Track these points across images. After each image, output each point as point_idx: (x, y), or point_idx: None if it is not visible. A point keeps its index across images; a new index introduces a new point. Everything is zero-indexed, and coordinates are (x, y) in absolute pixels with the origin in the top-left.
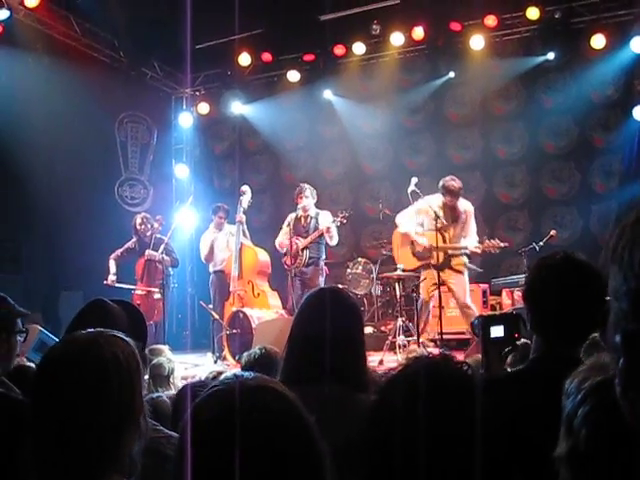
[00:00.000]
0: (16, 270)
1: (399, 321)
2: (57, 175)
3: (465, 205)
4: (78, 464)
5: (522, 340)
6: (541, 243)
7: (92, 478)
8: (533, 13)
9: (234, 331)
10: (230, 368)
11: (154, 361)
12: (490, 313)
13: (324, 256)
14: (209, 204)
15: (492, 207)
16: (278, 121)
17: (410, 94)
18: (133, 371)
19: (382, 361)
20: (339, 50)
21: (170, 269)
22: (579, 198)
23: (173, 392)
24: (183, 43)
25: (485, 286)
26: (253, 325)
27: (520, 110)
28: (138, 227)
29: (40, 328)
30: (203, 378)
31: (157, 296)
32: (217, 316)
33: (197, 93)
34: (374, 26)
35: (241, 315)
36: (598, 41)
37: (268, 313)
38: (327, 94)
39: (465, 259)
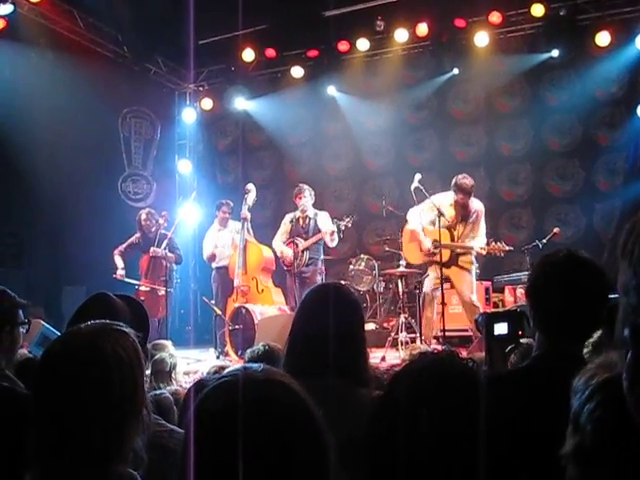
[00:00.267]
0: (19, 265)
1: (402, 318)
2: (60, 170)
3: (476, 205)
4: (81, 457)
5: (524, 340)
6: (544, 241)
7: (95, 471)
8: (538, 10)
9: (236, 327)
10: (232, 364)
11: (156, 356)
12: (494, 310)
13: (322, 256)
14: (212, 200)
15: (495, 204)
16: (282, 117)
17: (414, 90)
18: (135, 365)
19: (384, 358)
20: (343, 46)
21: (173, 265)
22: (583, 196)
23: (175, 388)
24: (187, 38)
25: (488, 283)
26: (255, 321)
27: (524, 107)
28: (143, 223)
29: (43, 323)
30: (204, 373)
31: (162, 292)
32: (220, 312)
33: (200, 89)
34: (378, 22)
35: (243, 311)
36: (603, 38)
37: (271, 309)
38: (331, 90)
39: (472, 258)
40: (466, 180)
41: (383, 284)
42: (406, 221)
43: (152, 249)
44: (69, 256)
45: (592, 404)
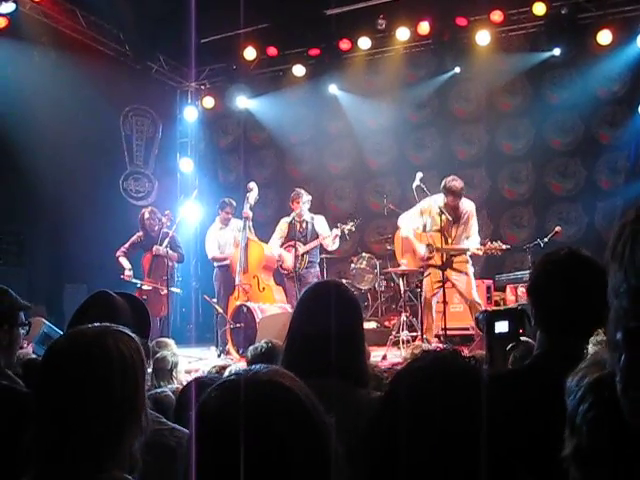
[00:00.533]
0: (20, 263)
1: (403, 316)
2: (62, 168)
3: (467, 205)
4: (79, 457)
5: (524, 338)
6: (546, 239)
7: (92, 472)
8: (539, 8)
9: (238, 325)
10: (234, 362)
11: (158, 355)
12: (495, 308)
13: (319, 259)
14: (214, 198)
15: (497, 203)
16: (283, 116)
17: (415, 89)
18: (137, 367)
19: (385, 356)
20: (345, 45)
21: (175, 264)
22: (584, 194)
23: (176, 386)
24: (188, 37)
25: (489, 282)
26: (257, 319)
27: (526, 106)
28: (146, 221)
29: (44, 321)
30: (206, 372)
31: (164, 291)
32: (221, 310)
33: (202, 87)
34: (380, 21)
35: (245, 309)
36: (604, 37)
37: (272, 307)
38: (332, 89)
39: (467, 257)
40: (455, 182)
41: (384, 283)
42: (397, 226)
43: (155, 247)
44: (71, 254)
45: (585, 405)
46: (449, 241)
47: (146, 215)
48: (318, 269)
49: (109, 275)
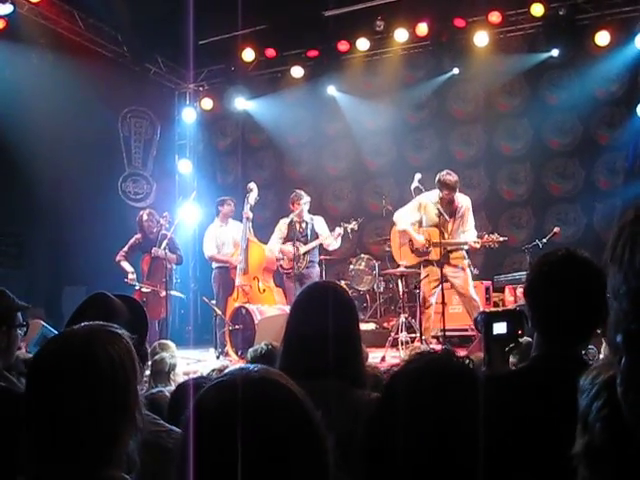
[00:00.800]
0: (19, 265)
1: (402, 318)
2: (60, 170)
3: (462, 199)
4: (73, 460)
5: (525, 338)
6: (544, 240)
7: (88, 472)
8: (537, 9)
9: (236, 327)
10: (232, 364)
11: (156, 356)
12: (493, 309)
13: (318, 259)
14: (212, 200)
15: (495, 204)
16: (282, 117)
17: (414, 90)
18: (128, 367)
19: (384, 358)
20: (343, 46)
21: (173, 265)
22: (583, 195)
23: (173, 388)
24: (187, 38)
25: (488, 283)
26: (255, 321)
27: (524, 107)
28: (144, 223)
29: (43, 323)
30: (205, 375)
31: (163, 294)
32: (220, 312)
33: (200, 88)
34: (378, 22)
35: (244, 311)
36: (602, 38)
37: (270, 309)
38: (331, 90)
39: (463, 253)
40: (449, 176)
41: (383, 284)
42: (393, 223)
43: (153, 249)
44: (69, 256)
45: (599, 402)
46: (446, 236)
47: (144, 217)
48: (318, 269)
49: (108, 277)
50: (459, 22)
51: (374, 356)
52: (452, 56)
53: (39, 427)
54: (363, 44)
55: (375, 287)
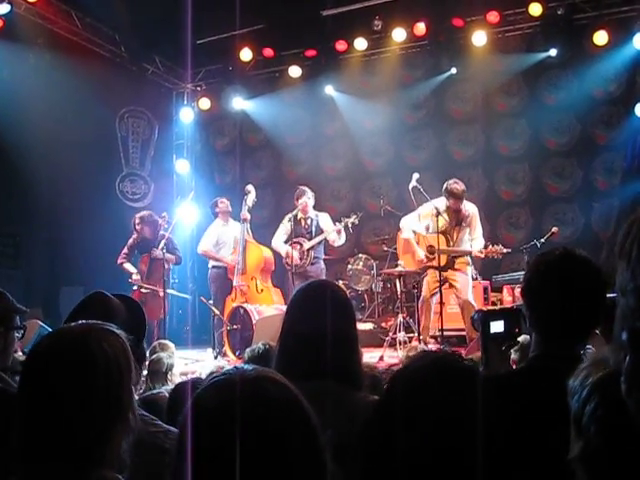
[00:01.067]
0: (16, 266)
1: (400, 317)
2: (57, 170)
3: (470, 208)
4: (64, 459)
5: (523, 336)
6: (542, 240)
7: (80, 471)
8: (535, 9)
9: (234, 327)
10: (230, 364)
11: (153, 356)
12: (490, 308)
13: (324, 255)
14: (210, 200)
15: (493, 204)
16: (279, 117)
17: (412, 90)
18: (122, 366)
19: (382, 357)
20: (341, 46)
21: (171, 265)
22: (581, 195)
23: (171, 388)
24: (184, 38)
25: (486, 283)
26: (253, 321)
27: (522, 106)
28: (137, 226)
29: (40, 323)
30: (204, 375)
31: (162, 294)
32: (217, 312)
33: (198, 88)
34: (376, 22)
35: (242, 311)
36: (601, 37)
37: (269, 309)
38: (328, 90)
39: (468, 258)
40: (457, 185)
41: (381, 284)
42: (399, 228)
43: (152, 250)
44: (67, 256)
45: (592, 404)
46: (451, 244)
47: (137, 221)
48: (323, 265)
49: (106, 277)
50: (457, 22)
51: (372, 356)
52: (450, 56)
53: (30, 424)
54: (361, 44)
55: (373, 287)
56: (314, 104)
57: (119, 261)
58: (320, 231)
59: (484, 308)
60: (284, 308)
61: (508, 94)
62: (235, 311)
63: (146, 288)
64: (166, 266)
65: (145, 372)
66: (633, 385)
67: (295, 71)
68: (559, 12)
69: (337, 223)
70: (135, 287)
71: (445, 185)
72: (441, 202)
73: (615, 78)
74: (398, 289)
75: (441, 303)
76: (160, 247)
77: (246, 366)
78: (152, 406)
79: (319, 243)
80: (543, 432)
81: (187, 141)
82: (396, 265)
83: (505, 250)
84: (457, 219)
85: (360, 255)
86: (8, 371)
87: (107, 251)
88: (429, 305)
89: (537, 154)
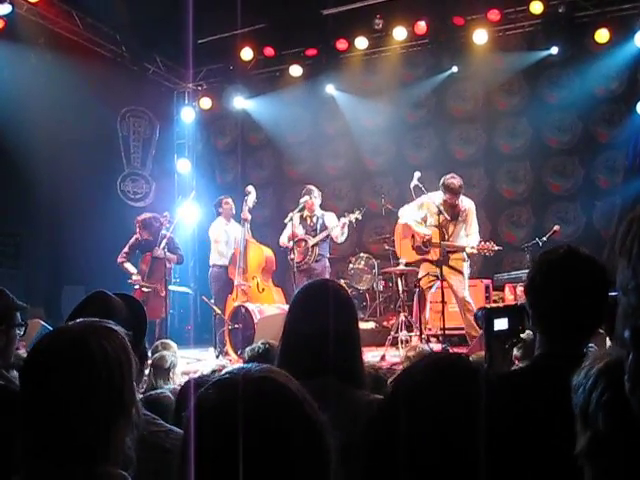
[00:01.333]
0: (17, 265)
1: (401, 316)
2: (58, 170)
3: (466, 203)
4: (68, 457)
5: (527, 333)
6: (544, 238)
7: (84, 469)
8: (537, 7)
9: (236, 326)
10: (232, 363)
11: (157, 354)
12: (493, 305)
13: (328, 253)
14: (211, 199)
15: (495, 202)
16: (280, 116)
17: (413, 89)
18: (124, 363)
19: (384, 356)
20: (341, 45)
21: (172, 265)
22: (582, 193)
23: (173, 386)
24: (185, 38)
25: (488, 281)
26: (255, 320)
27: (523, 105)
28: (138, 229)
29: (42, 323)
30: (207, 374)
31: (163, 293)
32: (219, 311)
33: (199, 88)
34: (377, 20)
35: (243, 310)
36: (602, 35)
37: (270, 308)
38: (329, 89)
39: (464, 255)
40: (454, 180)
41: (383, 283)
42: (398, 218)
43: (154, 249)
44: (68, 256)
45: (599, 390)
46: (446, 237)
47: (138, 224)
48: (328, 263)
49: (107, 276)
50: (458, 20)
51: (374, 355)
52: (451, 54)
53: (32, 422)
54: (362, 43)
55: (374, 286)
56: (315, 103)
57: (119, 260)
58: (325, 229)
59: (487, 305)
60: (285, 307)
61: (509, 92)
62: (236, 310)
63: (146, 287)
64: (167, 265)
65: (147, 371)
66: (637, 383)
67: (296, 70)
68: (560, 10)
69: (341, 218)
70: (137, 286)
71: (442, 179)
72: (438, 196)
73: (617, 76)
74: (399, 288)
75: (442, 302)
76: (162, 246)
77: (250, 365)
78: (155, 406)
79: (323, 240)
80: (547, 431)
81: (188, 140)
82: (397, 264)
83: (496, 247)
84: (453, 214)
85: (361, 254)
86: (10, 369)
87: (108, 250)
88: (425, 298)
89: (538, 152)
